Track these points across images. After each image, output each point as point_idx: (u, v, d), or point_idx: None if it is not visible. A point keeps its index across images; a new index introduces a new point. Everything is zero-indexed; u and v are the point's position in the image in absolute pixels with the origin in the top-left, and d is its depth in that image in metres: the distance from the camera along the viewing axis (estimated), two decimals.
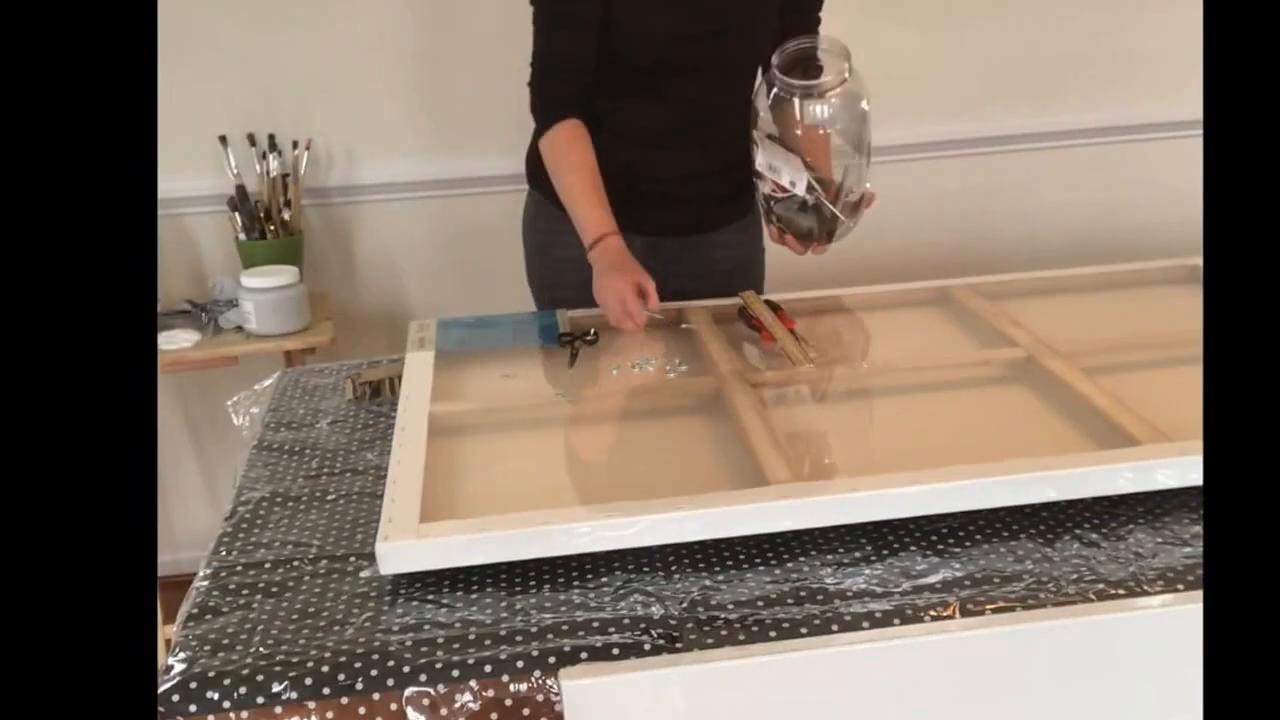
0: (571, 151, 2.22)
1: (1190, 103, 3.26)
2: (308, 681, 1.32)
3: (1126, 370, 1.92)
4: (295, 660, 1.34)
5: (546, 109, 2.25)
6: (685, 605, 1.41)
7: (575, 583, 1.46)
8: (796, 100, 2.08)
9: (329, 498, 1.72)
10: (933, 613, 1.38)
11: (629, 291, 2.07)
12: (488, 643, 1.35)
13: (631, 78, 2.25)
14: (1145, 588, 1.41)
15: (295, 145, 3.14)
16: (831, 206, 2.10)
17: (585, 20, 2.18)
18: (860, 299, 2.31)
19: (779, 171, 2.10)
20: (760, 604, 1.41)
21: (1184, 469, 1.55)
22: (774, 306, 2.12)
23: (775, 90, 2.09)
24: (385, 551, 1.44)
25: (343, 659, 1.34)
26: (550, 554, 1.46)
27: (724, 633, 1.36)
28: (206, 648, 1.38)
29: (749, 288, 2.25)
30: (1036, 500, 1.55)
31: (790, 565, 1.48)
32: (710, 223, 2.42)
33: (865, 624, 1.37)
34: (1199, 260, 2.33)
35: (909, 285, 2.35)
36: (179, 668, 1.34)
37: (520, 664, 1.32)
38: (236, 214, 3.06)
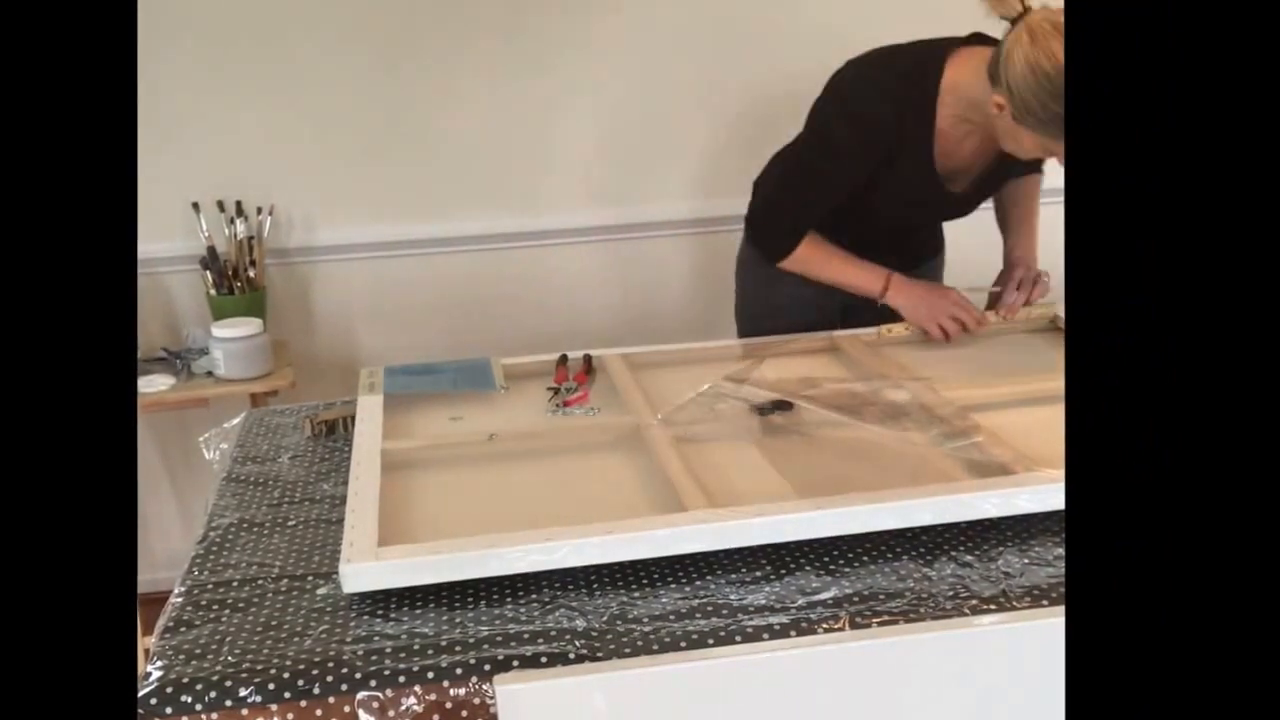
0: (816, 253, 2.34)
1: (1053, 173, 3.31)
2: (271, 687, 1.33)
3: (1000, 408, 1.94)
4: (260, 668, 1.35)
5: (775, 250, 2.37)
6: (605, 619, 1.42)
7: (508, 599, 1.48)
8: None
9: (290, 524, 1.73)
10: (825, 625, 1.40)
11: (959, 303, 2.29)
12: (430, 652, 1.36)
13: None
14: (1014, 603, 1.44)
15: (260, 211, 3.14)
16: None
17: (833, 202, 2.31)
18: (756, 347, 2.32)
19: None
20: (672, 618, 1.42)
21: (1046, 495, 1.58)
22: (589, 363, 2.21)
23: None
24: (348, 572, 1.45)
25: (301, 667, 1.35)
26: (489, 574, 1.48)
27: (640, 643, 1.37)
28: (181, 657, 1.38)
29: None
30: (914, 524, 1.57)
31: (699, 584, 1.50)
32: None
33: (765, 635, 1.38)
34: (1059, 309, 2.38)
35: (806, 335, 2.36)
36: (156, 675, 1.35)
37: (459, 671, 1.33)
38: (207, 272, 3.06)
